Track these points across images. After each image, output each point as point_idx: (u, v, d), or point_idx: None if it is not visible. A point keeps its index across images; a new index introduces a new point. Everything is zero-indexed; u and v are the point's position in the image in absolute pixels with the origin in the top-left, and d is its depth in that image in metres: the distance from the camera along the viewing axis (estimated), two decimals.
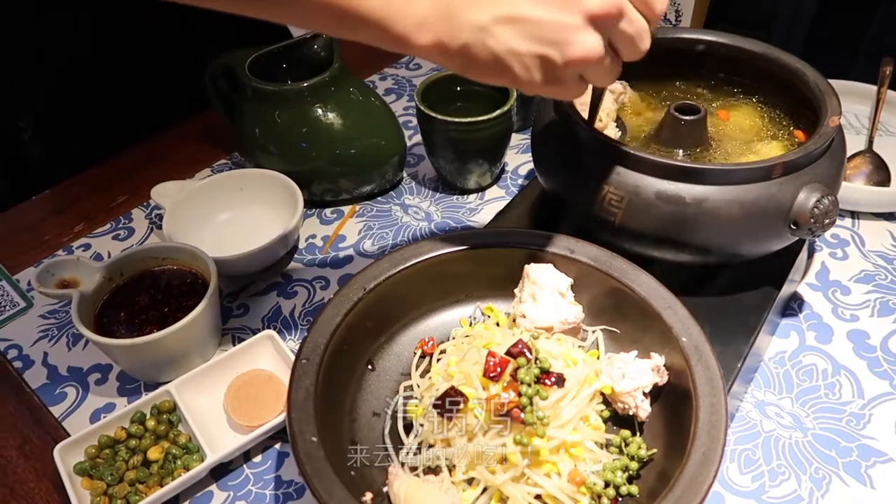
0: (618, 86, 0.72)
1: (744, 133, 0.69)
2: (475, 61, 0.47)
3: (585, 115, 0.61)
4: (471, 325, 0.64)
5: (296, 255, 0.81)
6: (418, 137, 0.93)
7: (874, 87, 0.92)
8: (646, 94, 0.74)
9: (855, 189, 0.80)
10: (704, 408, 0.50)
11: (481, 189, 0.88)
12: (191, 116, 1.02)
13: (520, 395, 0.50)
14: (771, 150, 0.66)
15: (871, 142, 0.87)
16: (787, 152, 0.60)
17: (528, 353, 0.52)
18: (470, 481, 0.52)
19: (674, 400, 0.54)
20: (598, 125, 0.63)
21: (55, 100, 0.93)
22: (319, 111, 0.80)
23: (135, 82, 0.96)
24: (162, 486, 0.57)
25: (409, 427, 0.56)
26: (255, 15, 0.47)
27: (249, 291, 0.77)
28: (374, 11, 0.45)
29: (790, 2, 1.03)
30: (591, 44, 0.45)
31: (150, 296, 0.68)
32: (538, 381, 0.51)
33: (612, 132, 0.69)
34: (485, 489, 0.52)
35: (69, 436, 0.61)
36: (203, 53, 0.85)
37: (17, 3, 0.85)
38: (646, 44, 0.49)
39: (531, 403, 0.50)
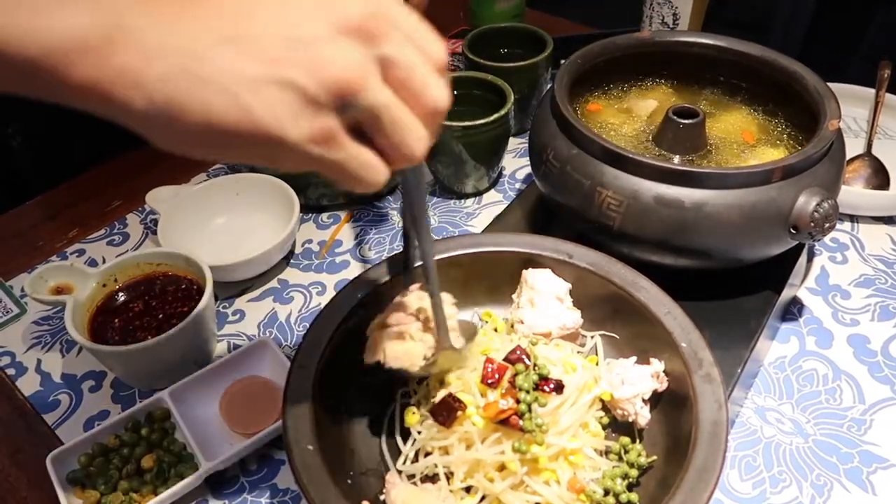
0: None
1: (743, 136, 0.68)
2: (194, 112, 0.31)
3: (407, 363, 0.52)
4: None
5: (292, 261, 0.80)
6: None
7: (872, 91, 0.92)
8: (645, 96, 0.74)
9: (854, 193, 0.79)
10: (705, 414, 0.49)
11: (478, 193, 0.88)
12: None
13: (518, 401, 0.50)
14: (770, 153, 0.66)
15: (869, 145, 0.87)
16: (786, 156, 0.60)
17: (526, 360, 0.52)
18: (468, 489, 0.52)
19: (674, 406, 0.54)
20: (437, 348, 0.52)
21: (48, 104, 0.92)
22: None
23: None
24: (156, 494, 0.56)
25: (406, 434, 0.56)
26: None
27: (245, 297, 0.76)
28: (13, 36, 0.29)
29: (788, 5, 1.03)
30: (350, 59, 0.32)
31: (144, 302, 0.68)
32: (537, 387, 0.51)
33: (458, 342, 0.53)
34: (483, 497, 0.51)
35: (62, 444, 0.60)
36: None
37: None
38: (428, 96, 0.35)
39: (530, 410, 0.50)
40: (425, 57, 0.35)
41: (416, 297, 0.53)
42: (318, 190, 0.84)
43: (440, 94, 0.35)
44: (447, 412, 0.51)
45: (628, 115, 0.72)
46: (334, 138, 0.33)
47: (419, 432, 0.55)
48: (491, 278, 0.63)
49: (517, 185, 0.89)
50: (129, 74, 0.30)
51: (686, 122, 0.64)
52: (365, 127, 0.34)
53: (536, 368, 0.52)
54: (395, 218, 0.85)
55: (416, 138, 0.35)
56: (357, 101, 0.33)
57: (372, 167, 0.35)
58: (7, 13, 0.28)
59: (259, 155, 0.34)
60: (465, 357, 0.54)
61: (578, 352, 0.60)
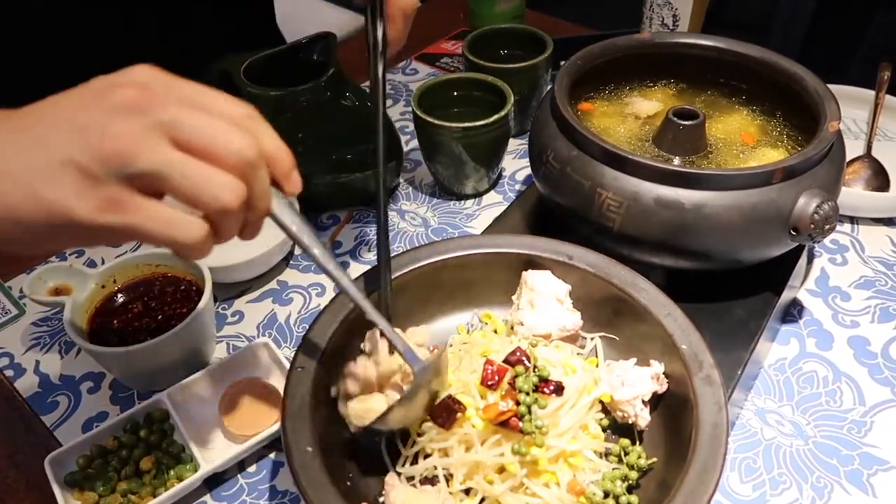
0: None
1: (743, 138, 0.68)
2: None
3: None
4: (468, 332, 0.63)
5: (291, 262, 0.80)
6: (415, 143, 0.92)
7: (872, 92, 0.92)
8: (644, 98, 0.74)
9: (854, 194, 0.79)
10: (705, 416, 0.49)
11: (478, 194, 0.88)
12: None
13: (518, 403, 0.50)
14: (770, 155, 0.66)
15: (869, 147, 0.87)
16: (786, 157, 0.59)
17: (526, 361, 0.52)
18: (468, 491, 0.51)
19: (674, 408, 0.53)
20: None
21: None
22: (315, 116, 0.79)
23: None
24: (154, 496, 0.56)
25: (405, 436, 0.56)
26: None
27: (244, 298, 0.76)
28: None
29: (788, 6, 1.03)
30: (121, 129, 0.34)
31: (143, 303, 0.68)
32: (536, 389, 0.51)
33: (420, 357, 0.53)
34: (483, 499, 0.51)
35: (61, 445, 0.60)
36: (198, 59, 0.84)
37: (11, 7, 0.84)
38: (227, 146, 0.36)
39: (529, 412, 0.50)
40: (211, 113, 0.36)
41: (362, 364, 0.54)
42: (318, 191, 0.83)
43: (235, 141, 0.36)
44: (447, 414, 0.51)
45: (628, 117, 0.72)
46: (122, 203, 0.34)
47: (419, 434, 0.54)
48: (491, 280, 0.63)
49: (517, 187, 0.89)
50: None
51: (686, 123, 0.64)
52: (159, 188, 0.35)
53: (536, 370, 0.51)
54: (395, 219, 0.85)
55: (219, 187, 0.35)
56: (135, 166, 0.34)
57: (177, 223, 0.36)
58: None
59: (64, 237, 0.36)
60: (439, 374, 0.53)
61: (578, 353, 0.59)
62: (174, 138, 0.35)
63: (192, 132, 0.35)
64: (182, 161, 0.35)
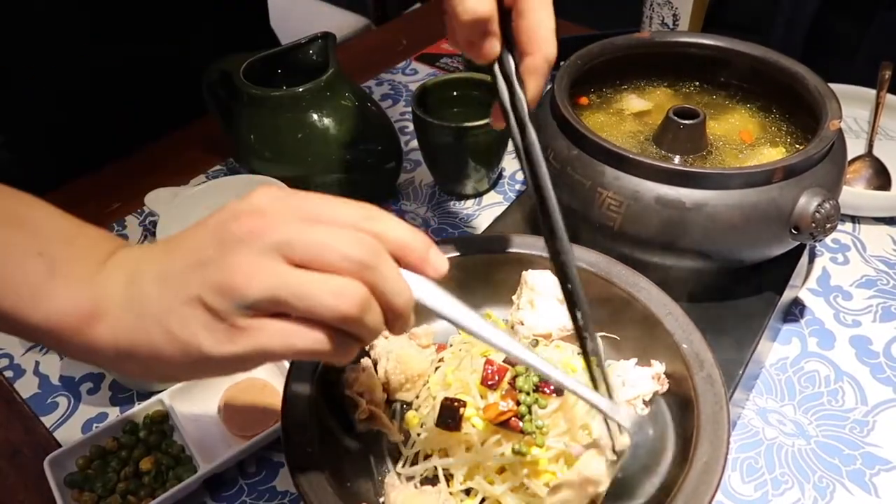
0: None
1: (743, 137, 0.68)
2: (146, 348, 0.36)
3: None
4: None
5: None
6: (415, 143, 0.92)
7: (873, 91, 0.92)
8: (644, 97, 0.74)
9: (855, 193, 0.79)
10: (706, 416, 0.49)
11: (478, 194, 0.88)
12: (185, 123, 1.01)
13: (518, 403, 0.50)
14: (771, 154, 0.66)
15: (870, 146, 0.87)
16: (787, 156, 0.59)
17: None
18: (468, 491, 0.51)
19: (675, 408, 0.53)
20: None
21: (47, 108, 0.92)
22: (315, 116, 0.79)
23: (128, 89, 0.95)
24: (154, 497, 0.56)
25: (405, 436, 0.55)
26: None
27: None
28: (9, 301, 0.37)
29: (788, 5, 1.03)
30: (234, 263, 0.35)
31: None
32: (537, 389, 0.51)
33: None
34: (483, 499, 0.51)
35: (60, 446, 0.60)
36: (198, 59, 0.84)
37: (11, 8, 0.84)
38: (343, 252, 0.35)
39: (530, 412, 0.49)
40: (328, 223, 0.36)
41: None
42: (318, 191, 0.83)
43: (345, 245, 0.35)
44: (451, 418, 0.50)
45: (628, 116, 0.72)
46: (243, 330, 0.35)
47: (419, 434, 0.54)
48: (491, 279, 0.63)
49: (517, 187, 0.89)
50: (104, 334, 0.37)
51: (686, 122, 0.64)
52: (281, 310, 0.35)
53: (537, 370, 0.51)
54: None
55: (330, 295, 0.35)
56: (250, 296, 0.34)
57: (299, 334, 0.36)
58: (24, 293, 0.37)
59: (201, 371, 0.38)
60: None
61: (579, 353, 0.59)
62: (288, 257, 0.35)
63: (305, 247, 0.35)
64: (294, 278, 0.35)
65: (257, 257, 0.35)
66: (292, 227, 0.35)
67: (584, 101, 0.73)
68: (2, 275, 0.37)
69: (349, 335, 0.37)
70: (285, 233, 0.35)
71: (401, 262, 0.38)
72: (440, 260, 0.40)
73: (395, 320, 0.38)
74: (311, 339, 0.36)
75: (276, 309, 0.35)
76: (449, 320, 0.41)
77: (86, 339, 0.37)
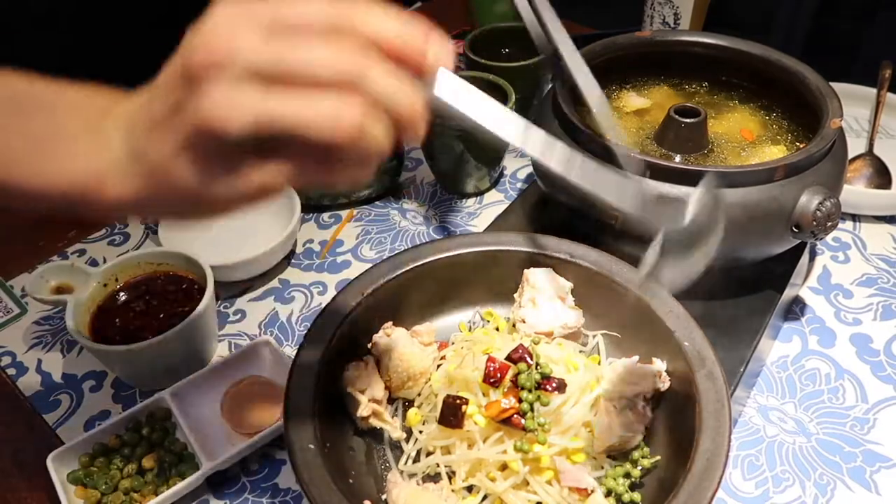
0: None
1: (744, 135, 0.68)
2: (155, 196, 0.37)
3: None
4: (470, 329, 0.63)
5: (293, 260, 0.80)
6: None
7: (874, 90, 0.92)
8: (645, 96, 0.74)
9: (856, 192, 0.79)
10: (707, 413, 0.49)
11: (480, 193, 0.88)
12: None
13: (520, 400, 0.50)
14: (772, 152, 0.66)
15: (871, 145, 0.87)
16: (788, 154, 0.59)
17: (528, 359, 0.52)
18: (470, 489, 0.51)
19: (676, 406, 0.53)
20: None
21: None
22: None
23: (130, 87, 0.95)
24: (157, 494, 0.56)
25: (407, 434, 0.56)
26: None
27: (246, 297, 0.76)
28: (32, 182, 0.39)
29: (789, 4, 1.03)
30: (205, 102, 0.31)
31: (145, 302, 0.68)
32: (539, 386, 0.51)
33: None
34: (485, 497, 0.51)
35: (63, 444, 0.60)
36: None
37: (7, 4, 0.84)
38: (336, 65, 0.31)
39: (532, 409, 0.50)
40: (294, 30, 0.32)
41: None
42: (319, 189, 0.84)
43: (323, 56, 0.31)
44: (453, 415, 0.50)
45: (629, 114, 0.72)
46: (239, 169, 0.34)
47: (421, 431, 0.54)
48: (493, 277, 0.63)
49: (518, 185, 0.89)
50: (120, 190, 0.37)
51: (688, 120, 0.64)
52: (283, 141, 0.32)
53: (538, 368, 0.51)
54: (397, 217, 0.85)
55: (325, 118, 0.31)
56: (230, 136, 0.32)
57: (303, 166, 0.34)
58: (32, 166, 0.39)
59: (208, 211, 0.37)
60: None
61: (580, 351, 0.59)
62: (265, 79, 0.31)
63: (281, 67, 0.31)
64: (279, 106, 0.31)
65: (229, 91, 0.31)
66: (260, 46, 0.31)
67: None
68: (23, 158, 0.39)
69: (357, 154, 0.33)
70: (253, 54, 0.31)
71: (395, 60, 0.32)
72: (443, 49, 0.33)
73: (406, 128, 0.33)
74: (313, 170, 0.34)
75: (267, 139, 0.32)
76: (468, 118, 0.36)
77: (107, 197, 0.38)
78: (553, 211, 0.72)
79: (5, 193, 0.40)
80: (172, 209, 0.38)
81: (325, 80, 0.31)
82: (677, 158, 0.65)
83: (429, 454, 0.53)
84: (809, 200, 0.56)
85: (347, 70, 0.31)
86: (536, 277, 0.60)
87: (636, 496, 0.50)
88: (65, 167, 0.38)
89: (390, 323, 0.59)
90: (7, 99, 0.40)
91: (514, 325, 0.60)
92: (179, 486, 0.56)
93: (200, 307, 0.63)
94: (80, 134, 0.39)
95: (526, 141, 0.38)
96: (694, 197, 0.44)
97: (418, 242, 0.80)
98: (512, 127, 0.37)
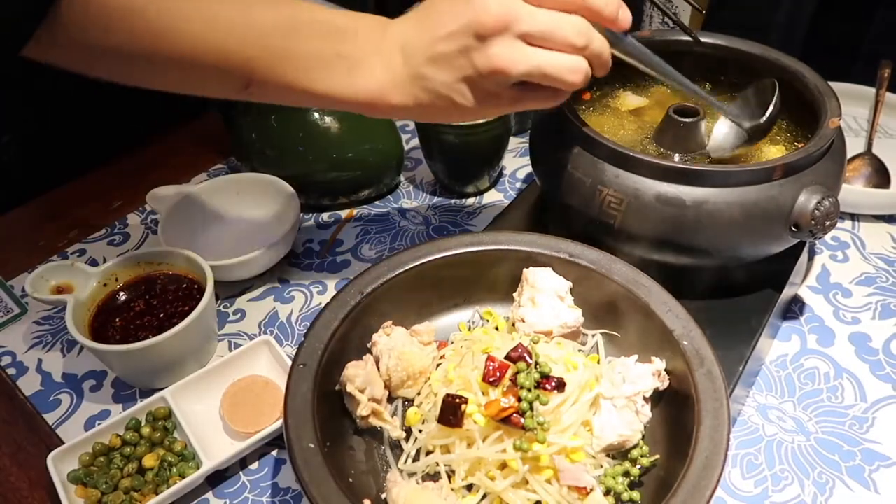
0: None
1: None
2: (433, 108, 0.53)
3: None
4: (469, 329, 0.63)
5: (293, 260, 0.80)
6: (416, 141, 0.92)
7: (872, 90, 0.92)
8: (644, 96, 0.74)
9: (854, 191, 0.79)
10: (706, 412, 0.49)
11: (479, 193, 0.88)
12: (187, 121, 1.01)
13: (520, 399, 0.50)
14: (771, 151, 0.66)
15: (870, 144, 0.87)
16: (787, 154, 0.59)
17: (527, 358, 0.52)
18: (469, 487, 0.52)
19: (675, 404, 0.54)
20: None
21: (49, 105, 0.92)
22: (316, 115, 0.80)
23: (130, 87, 0.95)
24: (157, 493, 0.56)
25: (407, 433, 0.56)
26: (247, 99, 0.55)
27: (246, 296, 0.76)
28: (336, 91, 0.53)
29: (788, 4, 1.03)
30: (494, 53, 0.49)
31: (145, 301, 0.68)
32: (538, 385, 0.51)
33: None
34: (484, 496, 0.51)
35: (63, 443, 0.60)
36: None
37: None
38: (569, 40, 0.49)
39: (531, 408, 0.50)
40: (550, 19, 0.49)
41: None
42: (319, 189, 0.84)
43: (572, 35, 0.49)
44: (452, 414, 0.50)
45: (628, 114, 0.72)
46: (506, 98, 0.52)
47: (420, 431, 0.55)
48: (492, 277, 0.63)
49: (517, 185, 0.89)
50: (404, 100, 0.54)
51: (686, 120, 0.64)
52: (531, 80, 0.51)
53: (538, 367, 0.51)
54: (397, 217, 0.85)
55: (569, 73, 0.50)
56: (512, 77, 0.50)
57: (543, 99, 0.54)
58: (343, 85, 0.53)
59: (471, 118, 0.56)
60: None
61: (580, 350, 0.60)
62: (530, 42, 0.49)
63: (542, 35, 0.49)
64: (543, 59, 0.49)
65: (511, 46, 0.49)
66: (529, 18, 0.48)
67: (587, 96, 0.73)
68: (323, 81, 0.52)
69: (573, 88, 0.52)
70: (526, 24, 0.48)
71: (598, 20, 0.51)
72: (626, 16, 0.52)
73: (601, 67, 0.52)
74: (552, 99, 0.54)
75: (527, 80, 0.50)
76: (643, 62, 0.56)
77: (386, 105, 0.53)
78: (552, 210, 0.73)
79: (322, 102, 0.54)
80: (438, 116, 0.54)
81: (568, 46, 0.49)
82: (676, 158, 0.65)
83: (428, 453, 0.53)
84: (808, 200, 0.56)
85: (582, 44, 0.50)
86: (536, 277, 0.60)
87: (635, 495, 0.50)
88: (361, 82, 0.53)
89: (390, 322, 0.59)
90: (318, 23, 0.52)
91: (513, 325, 0.60)
92: (179, 486, 0.56)
93: (200, 307, 0.63)
94: (372, 55, 0.52)
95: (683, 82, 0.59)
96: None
97: (418, 242, 0.81)
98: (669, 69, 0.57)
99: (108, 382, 0.69)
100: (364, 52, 0.52)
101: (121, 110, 0.95)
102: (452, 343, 0.61)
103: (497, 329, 0.62)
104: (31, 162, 0.93)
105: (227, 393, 0.62)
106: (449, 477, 0.52)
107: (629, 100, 0.73)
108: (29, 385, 0.69)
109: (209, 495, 0.59)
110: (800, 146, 0.64)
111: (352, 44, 0.52)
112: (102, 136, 0.96)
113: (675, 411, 0.53)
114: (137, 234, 0.86)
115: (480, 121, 0.77)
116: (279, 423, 0.59)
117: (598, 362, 0.59)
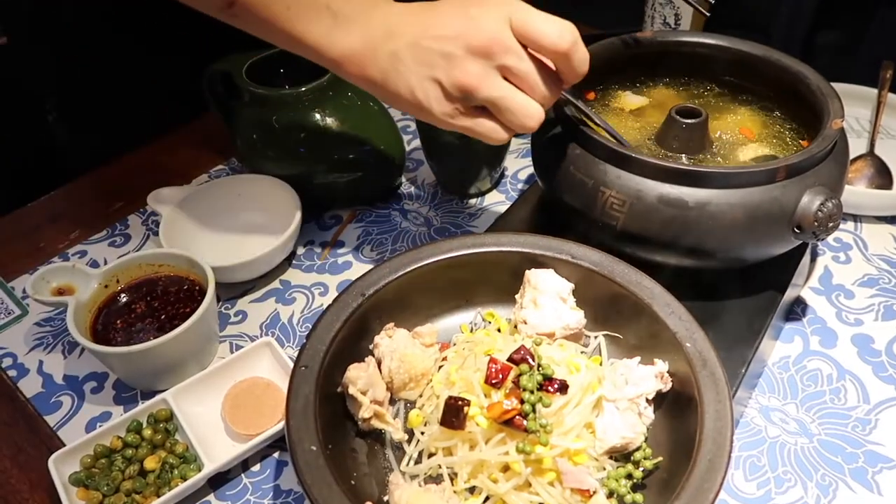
0: None
1: (745, 135, 0.68)
2: (394, 89, 0.55)
3: None
4: (472, 331, 0.63)
5: (294, 261, 0.80)
6: (417, 142, 0.92)
7: (875, 91, 0.92)
8: (647, 96, 0.74)
9: (857, 192, 0.79)
10: (709, 414, 0.49)
11: (481, 194, 0.88)
12: (188, 122, 1.01)
13: (522, 402, 0.50)
14: (773, 153, 0.66)
15: (872, 145, 0.87)
16: (789, 155, 0.59)
17: (530, 360, 0.52)
18: (472, 490, 0.51)
19: (678, 407, 0.53)
20: None
21: (50, 107, 0.92)
22: (317, 116, 0.79)
23: (131, 88, 0.95)
24: (159, 496, 0.56)
25: (409, 435, 0.56)
26: (226, 20, 0.57)
27: (247, 298, 0.76)
28: (312, 38, 0.55)
29: (790, 5, 1.03)
30: (471, 69, 0.52)
31: (146, 303, 0.68)
32: (541, 387, 0.51)
33: None
34: (487, 498, 0.51)
35: (64, 445, 0.60)
36: (200, 58, 0.84)
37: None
38: (539, 88, 0.53)
39: (534, 411, 0.50)
40: (532, 62, 0.53)
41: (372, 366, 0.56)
42: (321, 191, 0.83)
43: (543, 89, 0.54)
44: (455, 416, 0.50)
45: (630, 115, 0.72)
46: (461, 114, 0.55)
47: (422, 433, 0.54)
48: (494, 278, 0.63)
49: (519, 186, 0.89)
50: (367, 72, 0.55)
51: (688, 121, 0.64)
52: (490, 109, 0.54)
53: (540, 369, 0.51)
54: (398, 218, 0.85)
55: (526, 116, 0.54)
56: (477, 96, 0.53)
57: (492, 130, 0.56)
58: (320, 34, 0.55)
59: (419, 115, 0.56)
60: None
61: (582, 352, 0.59)
62: (505, 75, 0.53)
63: (518, 75, 0.53)
64: (509, 93, 0.53)
65: (488, 70, 0.52)
66: (514, 56, 0.52)
67: (590, 95, 0.73)
68: (303, 24, 0.54)
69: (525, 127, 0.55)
70: (510, 60, 0.52)
71: (566, 77, 0.55)
72: (579, 63, 0.55)
73: (547, 106, 0.56)
74: (502, 135, 0.56)
75: (490, 108, 0.54)
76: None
77: (356, 70, 0.55)
78: (554, 212, 0.72)
79: (295, 45, 0.56)
80: (396, 102, 0.56)
81: (541, 92, 0.54)
82: (679, 159, 0.65)
83: (431, 455, 0.53)
84: (811, 201, 0.56)
85: (549, 96, 0.54)
86: (538, 278, 0.60)
87: (638, 497, 0.50)
88: (339, 39, 0.54)
89: (392, 324, 0.59)
90: None
91: (515, 327, 0.60)
92: (181, 488, 0.56)
93: (201, 308, 0.63)
94: (360, 17, 0.54)
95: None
96: None
97: (419, 243, 0.80)
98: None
99: (110, 384, 0.68)
100: (354, 11, 0.54)
101: (121, 111, 0.95)
102: (454, 345, 0.61)
103: (499, 331, 0.62)
104: (30, 162, 0.93)
105: (228, 395, 0.62)
106: (451, 479, 0.52)
107: (631, 100, 0.73)
108: (30, 387, 0.69)
109: (211, 497, 0.59)
110: (802, 147, 0.64)
111: (343, 1, 0.54)
112: (102, 136, 0.96)
113: (678, 413, 0.53)
114: (138, 236, 0.85)
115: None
116: (281, 425, 0.59)
117: (601, 364, 0.58)
